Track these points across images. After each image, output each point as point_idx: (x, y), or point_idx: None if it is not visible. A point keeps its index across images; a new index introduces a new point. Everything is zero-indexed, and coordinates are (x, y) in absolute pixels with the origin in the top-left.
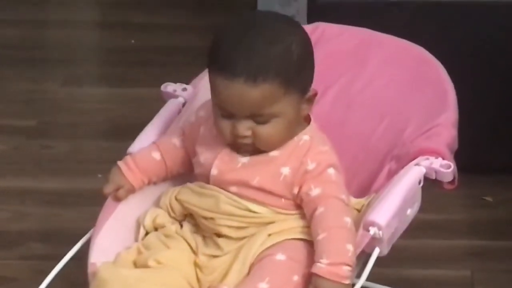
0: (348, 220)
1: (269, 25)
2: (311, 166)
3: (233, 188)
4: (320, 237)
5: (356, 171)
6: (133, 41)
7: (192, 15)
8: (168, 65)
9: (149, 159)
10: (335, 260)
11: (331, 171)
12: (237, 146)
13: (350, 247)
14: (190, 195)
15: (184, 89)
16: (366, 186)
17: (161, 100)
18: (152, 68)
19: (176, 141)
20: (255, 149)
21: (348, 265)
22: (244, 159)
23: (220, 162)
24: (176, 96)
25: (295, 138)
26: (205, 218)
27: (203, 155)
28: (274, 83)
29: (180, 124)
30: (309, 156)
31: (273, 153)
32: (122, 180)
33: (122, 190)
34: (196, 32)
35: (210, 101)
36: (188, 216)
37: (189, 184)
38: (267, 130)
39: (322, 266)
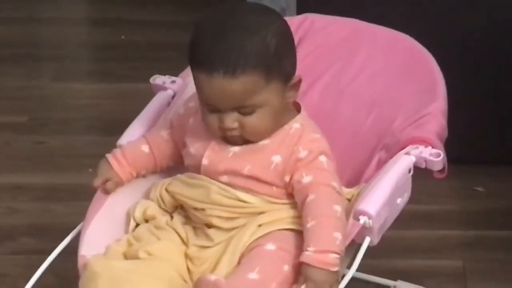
0: (338, 208)
1: (245, 17)
2: (302, 153)
3: (224, 178)
4: (309, 225)
5: (347, 161)
6: (123, 36)
7: (181, 10)
8: (158, 60)
9: (138, 152)
10: (321, 248)
11: (322, 158)
12: (227, 139)
13: (338, 235)
14: (181, 187)
15: (173, 82)
16: (357, 176)
17: (151, 94)
18: (142, 63)
19: (164, 133)
20: (244, 140)
21: (335, 252)
22: (235, 149)
23: (210, 152)
24: (165, 89)
25: (286, 127)
26: (196, 209)
27: (194, 146)
28: (253, 74)
29: (169, 116)
30: (300, 144)
31: (264, 142)
32: (110, 173)
33: (111, 182)
34: (186, 28)
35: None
36: (178, 208)
37: (179, 176)
38: (253, 121)
39: (309, 254)
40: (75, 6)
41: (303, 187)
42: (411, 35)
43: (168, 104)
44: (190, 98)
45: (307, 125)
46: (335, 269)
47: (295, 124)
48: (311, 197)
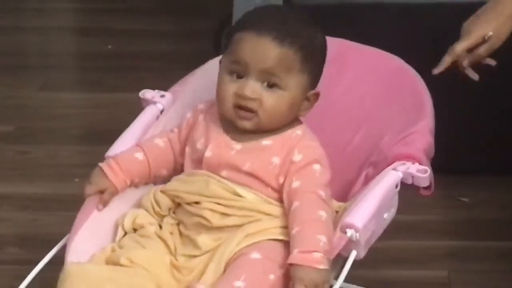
0: (322, 213)
1: (302, 14)
2: (297, 157)
3: (224, 173)
4: (294, 231)
5: (334, 178)
6: (109, 46)
7: (168, 21)
8: (144, 70)
9: (132, 159)
10: (305, 249)
11: (316, 167)
12: (238, 113)
13: (322, 237)
14: (178, 184)
15: (162, 96)
16: (344, 193)
17: (138, 105)
18: (128, 73)
19: (159, 141)
20: (254, 120)
21: (319, 252)
22: (238, 146)
23: (214, 145)
24: (154, 103)
25: (289, 131)
26: (190, 204)
27: (200, 141)
28: (296, 53)
29: (159, 128)
30: (297, 147)
31: (266, 142)
32: (105, 183)
33: (106, 193)
34: (172, 38)
35: (210, 101)
36: (171, 212)
37: (176, 177)
38: (272, 99)
39: (293, 255)
40: (62, 15)
41: (290, 191)
42: (395, 47)
43: (157, 118)
44: (200, 103)
45: (308, 133)
46: (321, 266)
47: (298, 131)
48: (295, 204)
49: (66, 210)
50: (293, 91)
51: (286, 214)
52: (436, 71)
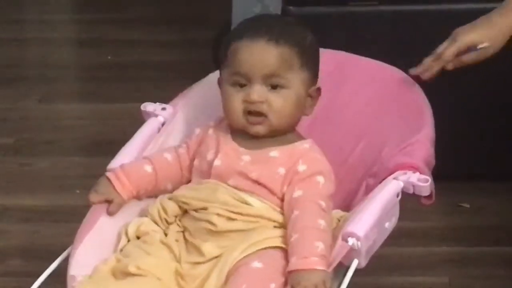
0: (321, 222)
1: (287, 18)
2: (301, 167)
3: (231, 181)
4: (293, 238)
5: (336, 190)
6: (109, 57)
7: (168, 31)
8: (144, 80)
9: (141, 171)
10: (303, 256)
11: (320, 179)
12: (249, 120)
13: (319, 244)
14: (186, 190)
15: (164, 109)
16: (346, 205)
17: (138, 115)
18: (128, 84)
19: (168, 156)
20: (265, 123)
21: (315, 256)
22: (247, 157)
23: (223, 155)
24: (155, 115)
25: (296, 143)
26: (197, 210)
27: (209, 152)
28: (292, 49)
29: (160, 141)
30: (302, 158)
31: (274, 154)
32: (112, 193)
33: (113, 204)
34: (172, 48)
35: (219, 117)
36: (176, 220)
37: (184, 185)
38: (279, 100)
39: (291, 263)
40: (61, 26)
41: (291, 201)
42: (390, 52)
43: (158, 130)
44: (210, 121)
45: (315, 147)
46: (319, 267)
47: (305, 144)
48: (296, 213)
49: (67, 221)
50: (296, 88)
51: (286, 222)
52: (425, 76)
